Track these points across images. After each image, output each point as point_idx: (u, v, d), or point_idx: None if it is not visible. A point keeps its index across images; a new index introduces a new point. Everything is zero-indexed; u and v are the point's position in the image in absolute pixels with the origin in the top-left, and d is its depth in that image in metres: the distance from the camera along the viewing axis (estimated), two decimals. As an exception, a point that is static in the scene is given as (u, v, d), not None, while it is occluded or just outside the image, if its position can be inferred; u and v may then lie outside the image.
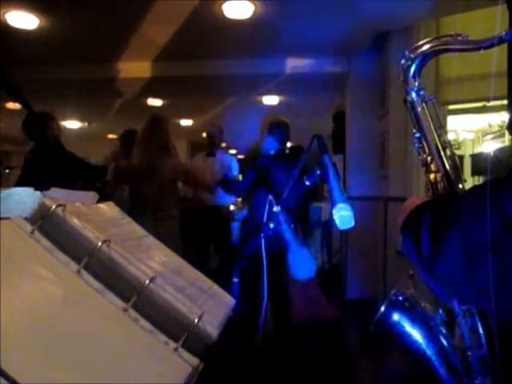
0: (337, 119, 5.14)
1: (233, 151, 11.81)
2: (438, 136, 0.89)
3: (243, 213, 4.85)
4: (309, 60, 4.81)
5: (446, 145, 0.88)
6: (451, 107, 4.13)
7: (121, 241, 0.70)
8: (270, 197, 1.17)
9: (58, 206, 0.63)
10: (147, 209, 2.75)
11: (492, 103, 4.27)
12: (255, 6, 3.51)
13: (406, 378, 0.90)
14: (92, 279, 0.60)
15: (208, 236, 4.12)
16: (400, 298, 0.91)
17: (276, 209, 1.12)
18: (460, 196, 0.79)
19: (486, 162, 5.13)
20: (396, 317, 0.89)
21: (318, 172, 1.16)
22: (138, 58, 4.86)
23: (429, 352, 0.85)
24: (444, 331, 0.86)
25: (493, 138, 5.75)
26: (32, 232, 0.60)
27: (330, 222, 5.68)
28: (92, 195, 1.04)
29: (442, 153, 0.87)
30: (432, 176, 0.87)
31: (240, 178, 4.28)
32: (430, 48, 0.87)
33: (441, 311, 0.87)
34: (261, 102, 6.33)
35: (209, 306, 0.72)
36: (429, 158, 0.88)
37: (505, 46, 0.77)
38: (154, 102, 6.44)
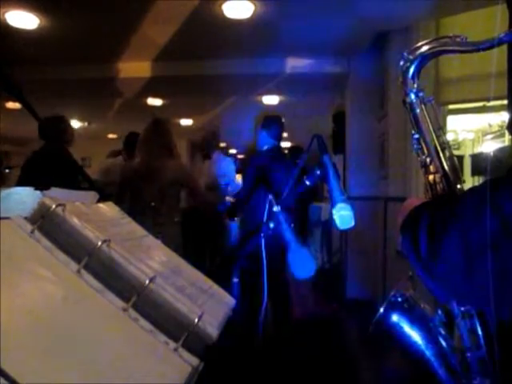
0: (337, 119, 5.14)
1: (233, 151, 11.81)
2: (437, 137, 0.89)
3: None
4: (309, 60, 4.81)
5: (445, 146, 0.88)
6: (451, 107, 4.14)
7: (121, 241, 0.70)
8: (270, 196, 1.17)
9: (58, 205, 0.63)
10: (147, 211, 2.73)
11: (492, 103, 4.28)
12: (255, 5, 3.51)
13: (405, 379, 0.90)
14: (92, 279, 0.60)
15: (207, 236, 4.12)
16: (399, 299, 0.91)
17: (276, 208, 1.12)
18: (458, 196, 0.79)
19: (485, 161, 5.14)
20: (395, 318, 0.89)
21: (318, 172, 1.16)
22: (138, 57, 4.86)
23: (428, 353, 0.85)
24: (443, 332, 0.86)
25: (493, 138, 5.75)
26: (32, 232, 0.60)
27: (329, 222, 5.68)
28: (92, 195, 1.04)
29: (441, 154, 0.87)
30: (431, 177, 0.87)
31: (235, 178, 4.28)
32: (429, 49, 0.87)
33: (440, 312, 0.87)
34: (261, 102, 6.33)
35: (209, 306, 0.72)
36: (428, 160, 0.88)
37: (505, 46, 0.77)
38: (154, 101, 6.44)
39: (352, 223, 1.06)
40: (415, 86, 0.90)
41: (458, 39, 0.82)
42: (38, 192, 1.23)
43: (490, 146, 5.76)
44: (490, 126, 5.76)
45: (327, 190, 1.15)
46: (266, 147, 3.29)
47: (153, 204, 2.76)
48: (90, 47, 4.49)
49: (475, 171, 5.57)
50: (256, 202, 2.98)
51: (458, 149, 6.50)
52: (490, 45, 0.76)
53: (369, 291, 4.25)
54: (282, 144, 3.65)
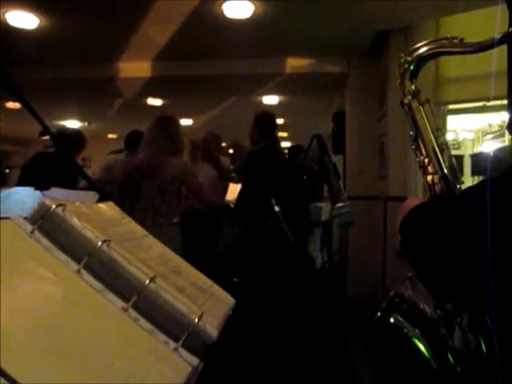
0: (337, 119, 5.14)
1: (232, 151, 11.79)
2: (435, 138, 0.89)
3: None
4: (309, 60, 4.81)
5: (443, 147, 0.89)
6: (451, 107, 4.14)
7: (121, 241, 0.70)
8: (270, 196, 1.17)
9: (58, 205, 0.63)
10: (147, 210, 2.70)
11: (492, 103, 4.28)
12: (255, 6, 3.51)
13: (404, 379, 0.90)
14: (92, 279, 0.60)
15: (207, 236, 4.12)
16: (399, 300, 0.91)
17: (277, 208, 1.13)
18: (456, 197, 0.79)
19: (485, 161, 5.14)
20: (395, 318, 0.89)
21: (318, 172, 1.16)
22: (138, 57, 4.87)
23: (427, 353, 0.85)
24: (442, 332, 0.86)
25: (493, 138, 5.75)
26: (32, 232, 0.60)
27: (329, 222, 5.68)
28: (92, 195, 1.04)
29: (440, 155, 0.88)
30: (429, 178, 0.87)
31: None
32: (427, 51, 0.87)
33: (439, 312, 0.88)
34: (261, 102, 6.33)
35: (209, 305, 0.72)
36: (426, 160, 0.88)
37: (505, 46, 0.77)
38: (154, 101, 6.45)
39: (352, 223, 1.07)
40: (413, 87, 0.90)
41: (456, 41, 0.83)
42: (37, 192, 1.23)
43: (489, 146, 5.77)
44: (490, 126, 5.77)
45: (327, 189, 1.15)
46: (260, 145, 3.26)
47: (152, 203, 2.72)
48: (90, 47, 4.50)
49: (475, 171, 5.58)
50: (255, 202, 2.98)
51: (458, 149, 6.51)
52: (487, 46, 0.77)
53: (369, 291, 4.25)
54: (282, 144, 3.64)
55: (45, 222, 0.62)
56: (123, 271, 0.62)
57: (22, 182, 2.99)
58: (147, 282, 0.61)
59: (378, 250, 4.21)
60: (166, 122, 2.93)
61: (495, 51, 0.76)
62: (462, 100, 3.98)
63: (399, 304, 0.90)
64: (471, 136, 6.58)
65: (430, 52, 0.87)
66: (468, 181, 5.73)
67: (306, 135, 2.04)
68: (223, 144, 5.03)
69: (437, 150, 0.88)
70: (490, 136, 5.89)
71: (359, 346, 3.02)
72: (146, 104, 6.43)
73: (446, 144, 0.90)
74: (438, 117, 3.75)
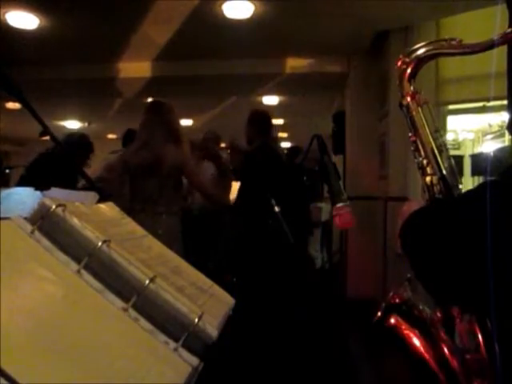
0: (337, 119, 5.14)
1: (229, 151, 11.78)
2: (434, 139, 0.89)
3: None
4: (309, 60, 4.81)
5: (442, 148, 0.89)
6: (451, 107, 4.14)
7: (121, 241, 0.70)
8: (270, 196, 1.18)
9: (58, 205, 0.63)
10: (147, 201, 2.65)
11: (492, 103, 4.28)
12: (255, 6, 3.51)
13: (404, 380, 0.90)
14: (92, 279, 0.60)
15: (208, 235, 4.12)
16: (398, 301, 0.91)
17: (277, 209, 1.13)
18: (456, 200, 0.80)
19: (485, 162, 5.14)
20: (394, 320, 0.89)
21: (318, 172, 1.16)
22: (138, 58, 4.87)
23: (427, 355, 0.85)
24: (442, 334, 0.86)
25: (493, 138, 5.75)
26: (32, 232, 0.60)
27: (329, 222, 5.68)
28: (92, 195, 1.05)
29: (438, 156, 0.88)
30: (428, 179, 0.88)
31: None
32: (425, 52, 0.87)
33: (439, 314, 0.88)
34: (261, 102, 6.33)
35: (209, 306, 0.72)
36: (425, 162, 0.88)
37: (505, 46, 0.78)
38: (154, 102, 6.44)
39: (352, 223, 1.07)
40: (412, 88, 0.90)
41: (454, 42, 0.83)
42: (38, 192, 1.23)
43: (490, 146, 5.77)
44: (490, 126, 5.77)
45: (327, 190, 1.15)
46: (256, 144, 3.25)
47: (152, 193, 2.68)
48: (90, 47, 4.50)
49: (475, 171, 5.58)
50: (254, 202, 2.98)
51: (458, 149, 6.51)
52: (485, 47, 0.77)
53: (369, 291, 4.25)
54: (282, 144, 3.64)
55: (45, 222, 0.62)
56: (123, 271, 0.62)
57: (25, 182, 3.00)
58: (147, 282, 0.61)
59: (377, 250, 4.21)
60: (159, 108, 2.84)
61: (495, 51, 0.76)
62: (462, 100, 3.98)
63: (398, 305, 0.90)
64: (471, 136, 6.59)
65: (428, 53, 0.87)
66: (468, 181, 5.74)
67: (306, 135, 2.05)
68: (223, 144, 5.03)
69: (435, 151, 0.88)
70: (489, 136, 5.89)
71: (359, 346, 3.02)
72: (146, 104, 6.42)
73: (445, 145, 0.90)
74: (436, 118, 3.74)
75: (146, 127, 2.79)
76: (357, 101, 4.69)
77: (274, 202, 1.18)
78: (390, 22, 3.79)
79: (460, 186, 0.88)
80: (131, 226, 0.84)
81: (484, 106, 4.21)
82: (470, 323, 0.80)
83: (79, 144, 3.44)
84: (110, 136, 9.69)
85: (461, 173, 5.74)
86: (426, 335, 0.86)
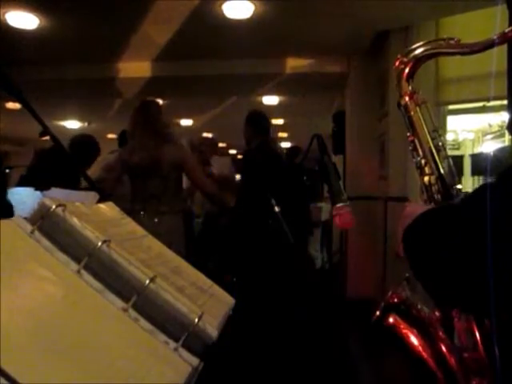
0: (337, 119, 5.14)
1: (232, 151, 11.82)
2: (432, 139, 0.89)
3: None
4: (309, 60, 4.81)
5: (440, 148, 0.89)
6: (451, 107, 4.14)
7: (121, 241, 0.70)
8: (270, 196, 1.17)
9: (58, 205, 0.63)
10: (149, 203, 2.66)
11: (492, 103, 4.28)
12: (255, 6, 3.51)
13: (404, 380, 0.90)
14: (92, 279, 0.60)
15: (209, 235, 4.12)
16: (396, 300, 0.91)
17: (277, 209, 1.13)
18: (459, 205, 0.79)
19: (485, 162, 5.14)
20: (393, 319, 0.89)
21: (318, 172, 1.16)
22: (138, 58, 4.87)
23: (425, 354, 0.85)
24: (441, 333, 0.86)
25: (493, 138, 5.76)
26: (32, 232, 0.60)
27: (329, 222, 5.68)
28: (92, 195, 1.04)
29: (436, 156, 0.88)
30: (426, 178, 0.88)
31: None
32: (423, 52, 0.87)
33: (437, 313, 0.88)
34: (261, 102, 6.33)
35: (209, 306, 0.72)
36: (423, 161, 0.88)
37: (505, 46, 0.78)
38: (154, 101, 6.44)
39: (352, 223, 1.07)
40: (410, 88, 0.90)
41: (452, 42, 0.83)
42: (38, 192, 1.23)
43: (489, 146, 5.77)
44: (490, 126, 5.77)
45: (327, 190, 1.15)
46: (255, 144, 3.28)
47: (154, 191, 2.68)
48: (90, 47, 4.50)
49: (475, 171, 5.58)
50: (254, 202, 2.98)
51: (458, 149, 6.51)
52: (484, 46, 0.77)
53: (369, 291, 4.25)
54: (282, 144, 3.66)
55: (45, 222, 0.62)
56: (123, 271, 0.62)
57: (25, 182, 2.99)
58: (147, 282, 0.61)
59: (377, 250, 4.21)
60: (146, 109, 2.86)
61: (495, 51, 0.76)
62: (462, 100, 3.98)
63: (397, 304, 0.91)
64: (471, 136, 6.59)
65: (426, 53, 0.87)
66: (468, 181, 5.74)
67: (306, 135, 2.05)
68: (223, 144, 5.03)
69: (433, 150, 0.88)
70: (489, 136, 5.89)
71: (359, 346, 3.02)
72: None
73: (443, 145, 0.90)
74: (435, 117, 3.74)
75: (137, 127, 2.80)
76: (357, 101, 4.68)
77: (274, 201, 1.18)
78: (390, 22, 3.79)
79: (459, 186, 0.88)
80: (131, 226, 0.85)
81: (484, 106, 4.21)
82: (468, 322, 0.80)
83: (88, 145, 3.43)
84: (110, 136, 9.68)
85: (461, 173, 5.75)
86: (424, 334, 0.86)
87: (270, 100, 6.30)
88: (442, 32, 3.67)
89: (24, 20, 3.78)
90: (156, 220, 2.52)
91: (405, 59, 0.89)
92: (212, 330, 0.62)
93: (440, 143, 0.89)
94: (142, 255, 0.72)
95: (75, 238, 0.63)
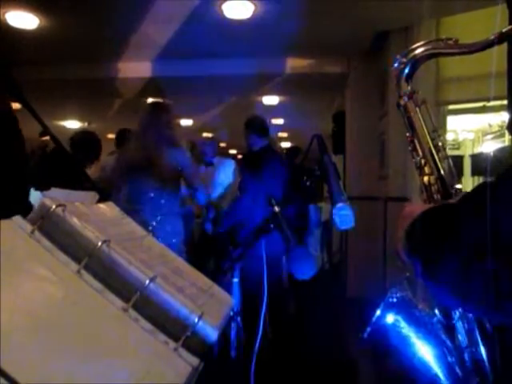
0: (337, 119, 5.14)
1: (233, 151, 11.82)
2: (432, 139, 0.89)
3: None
4: (309, 60, 4.81)
5: (440, 148, 0.89)
6: (451, 107, 4.14)
7: (121, 241, 0.70)
8: (270, 197, 1.17)
9: (58, 205, 0.63)
10: (148, 204, 2.64)
11: (492, 103, 4.28)
12: (255, 5, 3.51)
13: (403, 380, 0.90)
14: (92, 279, 0.60)
15: (208, 236, 4.12)
16: (396, 300, 0.91)
17: (277, 208, 1.12)
18: (458, 203, 0.79)
19: (485, 162, 5.14)
20: (392, 319, 0.89)
21: (318, 172, 1.16)
22: (138, 57, 4.87)
23: (426, 354, 0.85)
24: (441, 333, 0.86)
25: (493, 138, 5.75)
26: (32, 232, 0.60)
27: (329, 222, 5.68)
28: (92, 195, 1.04)
29: (436, 156, 0.88)
30: (426, 179, 0.88)
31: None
32: (422, 52, 0.87)
33: (438, 313, 0.88)
34: (261, 102, 6.33)
35: (209, 306, 0.72)
36: (422, 161, 0.88)
37: (505, 45, 0.77)
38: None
39: (352, 223, 1.06)
40: (409, 88, 0.90)
41: (450, 42, 0.83)
42: (37, 192, 1.23)
43: (489, 146, 5.77)
44: (490, 125, 5.77)
45: (327, 190, 1.15)
46: (258, 146, 3.34)
47: (152, 195, 2.67)
48: (90, 47, 4.50)
49: (475, 171, 5.58)
50: (255, 203, 2.99)
51: (458, 149, 6.51)
52: (482, 46, 0.76)
53: (369, 291, 4.25)
54: (282, 144, 3.69)
55: (45, 222, 0.62)
56: (123, 271, 0.62)
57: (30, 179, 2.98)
58: (147, 282, 0.61)
59: (377, 250, 4.21)
60: (158, 109, 2.84)
61: (495, 51, 0.76)
62: (462, 100, 3.98)
63: (397, 304, 0.90)
64: (471, 136, 6.58)
65: (425, 53, 0.87)
66: (468, 181, 5.74)
67: (306, 135, 2.04)
68: (223, 144, 5.03)
69: (433, 151, 0.88)
70: (490, 136, 5.89)
71: (359, 346, 3.02)
72: (145, 104, 6.42)
73: (443, 145, 0.90)
74: (436, 118, 3.75)
75: (144, 128, 2.78)
76: (357, 101, 4.68)
77: (273, 201, 1.18)
78: (390, 22, 3.79)
79: (459, 186, 0.87)
80: (131, 226, 0.84)
81: (484, 106, 4.21)
82: (469, 321, 0.80)
83: (90, 142, 3.39)
84: (110, 136, 9.67)
85: (461, 173, 5.75)
86: (424, 334, 0.86)
87: (270, 100, 6.30)
88: (442, 32, 3.67)
89: (24, 20, 3.78)
90: (154, 223, 2.51)
91: (404, 59, 0.89)
92: (212, 330, 0.62)
93: (440, 143, 0.89)
94: (141, 255, 0.72)
95: (75, 237, 0.63)
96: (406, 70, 0.89)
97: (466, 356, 0.80)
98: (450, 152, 5.83)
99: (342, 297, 4.60)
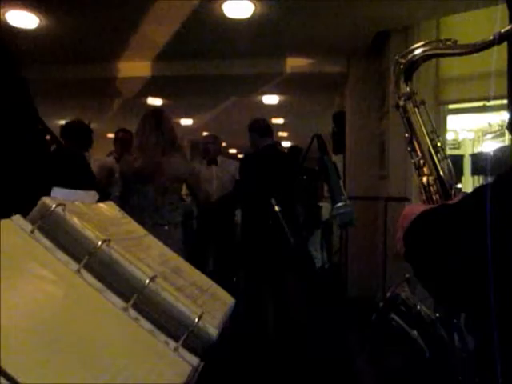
0: (337, 119, 5.14)
1: (232, 151, 11.82)
2: (431, 140, 0.89)
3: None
4: (309, 60, 4.81)
5: (439, 149, 0.89)
6: (451, 107, 4.14)
7: (121, 240, 0.70)
8: (271, 197, 1.17)
9: (58, 205, 0.63)
10: (147, 213, 2.64)
11: (492, 103, 4.28)
12: (255, 5, 3.51)
13: (403, 380, 0.90)
14: (92, 279, 0.60)
15: (209, 236, 4.12)
16: (396, 301, 0.91)
17: (277, 208, 1.13)
18: (458, 204, 0.79)
19: (485, 161, 5.14)
20: (392, 319, 0.89)
21: (318, 172, 1.16)
22: (138, 58, 4.87)
23: (426, 354, 0.85)
24: (441, 333, 0.86)
25: (493, 138, 5.76)
26: (32, 231, 0.60)
27: (329, 222, 5.68)
28: (92, 195, 1.04)
29: (435, 156, 0.88)
30: (425, 179, 0.88)
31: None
32: (421, 53, 0.87)
33: (437, 313, 0.88)
34: (261, 102, 6.33)
35: (209, 305, 0.72)
36: (421, 162, 0.88)
37: (504, 45, 0.77)
38: (154, 101, 6.45)
39: (352, 222, 1.07)
40: (408, 89, 0.90)
41: (449, 42, 0.83)
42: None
43: (489, 146, 5.77)
44: (490, 125, 5.77)
45: (327, 189, 1.15)
46: (260, 147, 3.39)
47: (154, 203, 2.66)
48: (90, 47, 4.50)
49: (475, 171, 5.58)
50: (256, 202, 2.99)
51: (458, 148, 6.51)
52: (481, 47, 0.76)
53: (369, 291, 4.25)
54: (282, 144, 3.73)
55: (45, 222, 0.62)
56: (123, 271, 0.62)
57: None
58: (147, 281, 0.61)
59: (377, 249, 4.21)
60: (158, 117, 2.80)
61: (495, 51, 0.76)
62: (462, 100, 3.98)
63: (397, 305, 0.91)
64: (471, 136, 6.58)
65: (424, 54, 0.87)
66: (468, 180, 5.74)
67: (306, 135, 2.05)
68: (223, 144, 5.03)
69: (432, 151, 0.88)
70: (489, 136, 5.89)
71: (359, 346, 3.02)
72: (145, 104, 6.42)
73: (442, 145, 0.90)
74: (436, 117, 3.76)
75: (144, 135, 2.76)
76: (357, 101, 4.69)
77: (274, 201, 1.18)
78: (390, 22, 3.79)
79: (459, 186, 0.88)
80: (131, 225, 0.84)
81: (484, 106, 4.21)
82: (468, 321, 0.80)
83: (80, 130, 3.35)
84: (110, 136, 9.68)
85: (461, 172, 5.75)
86: (424, 334, 0.86)
87: (270, 100, 6.30)
88: (443, 32, 3.67)
89: (24, 20, 3.79)
90: (154, 231, 2.48)
91: (402, 60, 0.89)
92: (212, 329, 0.62)
93: (438, 144, 0.89)
94: (141, 255, 0.72)
95: (75, 237, 0.63)
96: (405, 71, 0.89)
97: (466, 356, 0.80)
98: (449, 152, 5.82)
99: (341, 296, 4.60)
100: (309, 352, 2.85)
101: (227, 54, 4.69)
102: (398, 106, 0.92)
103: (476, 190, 0.63)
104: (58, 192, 0.73)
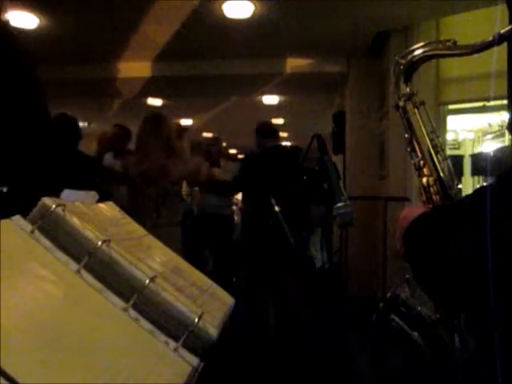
0: (337, 119, 5.14)
1: (232, 151, 11.82)
2: (431, 140, 0.89)
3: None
4: (309, 60, 4.81)
5: (438, 149, 0.89)
6: (451, 107, 4.14)
7: (121, 240, 0.70)
8: (271, 197, 1.17)
9: (58, 205, 0.63)
10: (147, 213, 2.64)
11: (492, 103, 4.28)
12: (255, 6, 3.51)
13: (404, 380, 0.90)
14: (92, 279, 0.60)
15: (207, 236, 4.12)
16: (396, 302, 0.91)
17: (277, 208, 1.13)
18: (458, 206, 0.79)
19: (485, 161, 5.14)
20: (393, 320, 0.89)
21: (318, 172, 1.16)
22: (138, 58, 4.87)
23: (426, 355, 0.85)
24: (441, 334, 0.86)
25: (493, 138, 5.75)
26: (32, 231, 0.60)
27: (329, 222, 5.68)
28: (92, 195, 1.04)
29: (435, 157, 0.88)
30: (424, 180, 0.88)
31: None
32: (421, 54, 0.87)
33: (438, 314, 0.88)
34: (261, 102, 6.33)
35: (209, 305, 0.72)
36: (421, 163, 0.88)
37: (505, 45, 0.77)
38: (154, 101, 6.45)
39: (353, 222, 1.07)
40: (407, 90, 0.90)
41: (448, 43, 0.83)
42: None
43: (489, 146, 5.77)
44: (490, 125, 5.77)
45: (327, 189, 1.15)
46: (263, 148, 3.48)
47: (153, 204, 2.68)
48: (90, 47, 4.50)
49: (475, 171, 5.58)
50: (257, 203, 2.99)
51: (458, 149, 6.51)
52: (481, 47, 0.76)
53: (369, 291, 4.25)
54: (282, 144, 3.76)
55: (45, 222, 0.62)
56: (123, 271, 0.62)
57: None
58: (147, 281, 0.61)
59: (377, 249, 4.21)
60: (158, 121, 2.82)
61: (495, 51, 0.76)
62: (462, 100, 3.98)
63: (397, 305, 0.91)
64: (471, 136, 6.58)
65: (423, 55, 0.87)
66: (468, 181, 5.74)
67: (306, 135, 2.05)
68: (224, 144, 5.03)
69: (432, 152, 0.88)
70: (490, 136, 5.89)
71: (359, 346, 3.02)
72: (145, 104, 6.42)
73: (441, 146, 0.90)
74: (437, 118, 3.76)
75: (145, 141, 2.77)
76: (357, 101, 4.69)
77: (274, 201, 1.18)
78: (390, 22, 3.79)
79: (459, 186, 0.88)
80: (131, 225, 0.84)
81: (484, 106, 4.21)
82: (468, 322, 0.80)
83: (71, 125, 3.30)
84: (110, 136, 9.66)
85: (461, 173, 5.75)
86: (425, 335, 0.86)
87: (270, 100, 6.29)
88: (443, 32, 3.67)
89: (24, 20, 3.79)
90: (153, 232, 2.49)
91: (402, 61, 0.89)
92: (212, 329, 0.62)
93: (438, 144, 0.89)
94: (141, 255, 0.72)
95: (75, 237, 0.63)
96: (405, 72, 0.89)
97: (466, 356, 0.80)
98: (449, 152, 5.82)
99: (341, 297, 4.59)
100: (309, 352, 2.85)
101: (227, 54, 4.69)
102: (397, 107, 0.92)
103: (476, 191, 0.63)
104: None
